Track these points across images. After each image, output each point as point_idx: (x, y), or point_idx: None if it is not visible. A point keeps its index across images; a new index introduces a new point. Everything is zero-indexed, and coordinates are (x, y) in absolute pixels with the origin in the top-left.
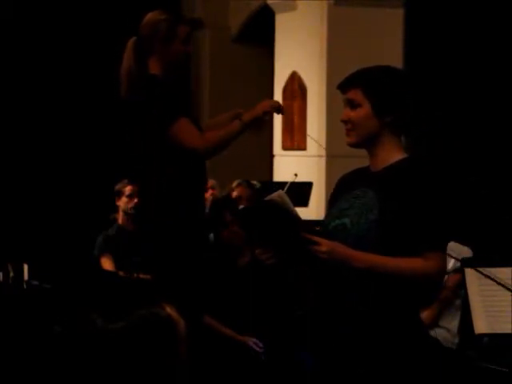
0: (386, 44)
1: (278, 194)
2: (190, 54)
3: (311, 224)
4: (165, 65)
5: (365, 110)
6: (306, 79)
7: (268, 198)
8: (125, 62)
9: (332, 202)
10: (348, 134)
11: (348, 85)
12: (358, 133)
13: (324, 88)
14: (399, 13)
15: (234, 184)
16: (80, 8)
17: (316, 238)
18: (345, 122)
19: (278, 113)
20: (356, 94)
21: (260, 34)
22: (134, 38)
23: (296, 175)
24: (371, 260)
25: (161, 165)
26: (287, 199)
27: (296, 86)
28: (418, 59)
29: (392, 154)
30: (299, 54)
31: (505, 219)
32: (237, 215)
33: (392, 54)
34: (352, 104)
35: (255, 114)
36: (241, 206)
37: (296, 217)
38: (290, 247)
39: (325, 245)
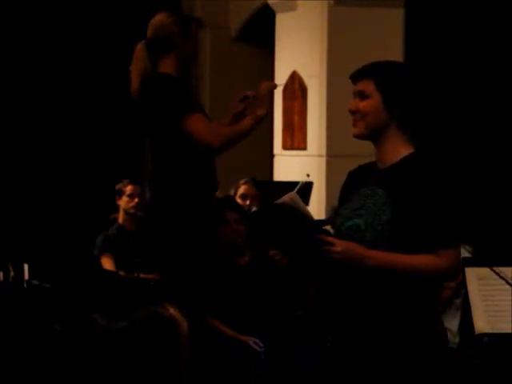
0: (386, 44)
1: (290, 196)
2: (198, 52)
3: (323, 224)
4: (178, 64)
5: (374, 101)
6: (306, 79)
7: (280, 200)
8: (138, 63)
9: (341, 200)
10: (355, 124)
11: (360, 75)
12: (365, 123)
13: (324, 88)
14: (399, 13)
15: (241, 182)
16: (80, 8)
17: (330, 239)
18: (352, 112)
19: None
20: (367, 85)
21: (260, 34)
22: (144, 40)
23: (308, 175)
24: (385, 258)
25: (171, 163)
26: (299, 201)
27: (296, 86)
28: (418, 59)
29: (399, 149)
30: (299, 53)
31: (505, 218)
32: (248, 218)
33: (392, 54)
34: (362, 95)
35: (263, 106)
36: (253, 209)
37: (309, 218)
38: (304, 248)
39: (339, 245)
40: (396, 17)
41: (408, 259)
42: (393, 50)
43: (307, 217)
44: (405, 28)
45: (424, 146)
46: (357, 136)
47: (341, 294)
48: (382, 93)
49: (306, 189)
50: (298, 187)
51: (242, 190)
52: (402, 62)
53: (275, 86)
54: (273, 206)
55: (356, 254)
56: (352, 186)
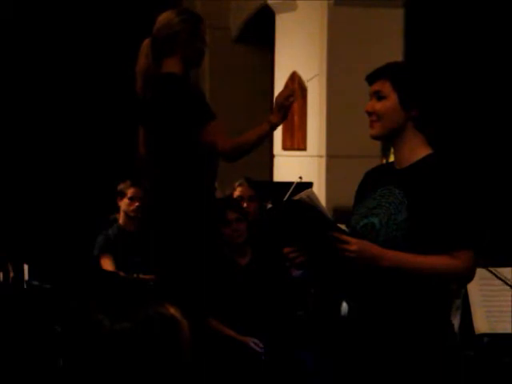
0: (386, 44)
1: (307, 194)
2: (204, 53)
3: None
4: (184, 63)
5: (391, 101)
6: (306, 79)
7: (297, 196)
8: (142, 61)
9: (358, 200)
10: (372, 125)
11: (376, 76)
12: (382, 124)
13: (324, 88)
14: (399, 13)
15: (236, 184)
16: (80, 8)
17: (345, 237)
18: (369, 113)
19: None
20: (383, 86)
21: (260, 34)
22: (150, 38)
23: (301, 178)
24: (400, 258)
25: (178, 164)
26: (316, 198)
27: (296, 86)
28: (418, 59)
29: (417, 150)
30: (299, 54)
31: (505, 217)
32: (264, 214)
33: (392, 54)
34: (378, 95)
35: (281, 114)
36: (268, 206)
37: (325, 216)
38: (319, 246)
39: (354, 244)
40: (396, 17)
41: (423, 260)
42: (393, 50)
43: (324, 214)
44: (405, 28)
45: (437, 146)
46: (374, 137)
47: (351, 293)
48: (399, 93)
49: (304, 189)
50: (291, 188)
51: (238, 192)
52: (418, 63)
53: (293, 99)
54: (290, 202)
55: (371, 253)
56: (368, 186)
